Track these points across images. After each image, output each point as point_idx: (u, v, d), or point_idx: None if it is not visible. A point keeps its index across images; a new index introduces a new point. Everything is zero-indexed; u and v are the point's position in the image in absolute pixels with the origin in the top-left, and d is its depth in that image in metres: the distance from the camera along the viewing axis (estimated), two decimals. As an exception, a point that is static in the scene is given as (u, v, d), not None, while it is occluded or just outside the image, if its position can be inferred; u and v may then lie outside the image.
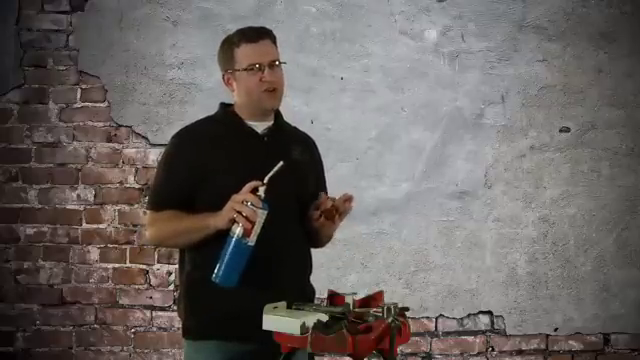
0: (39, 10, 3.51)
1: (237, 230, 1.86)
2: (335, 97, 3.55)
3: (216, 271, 1.88)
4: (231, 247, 1.87)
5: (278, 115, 2.17)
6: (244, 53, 2.04)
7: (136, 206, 3.50)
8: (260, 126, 2.11)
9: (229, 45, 2.08)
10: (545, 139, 3.60)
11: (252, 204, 1.86)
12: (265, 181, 1.89)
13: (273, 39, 2.10)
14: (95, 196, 3.52)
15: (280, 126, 2.16)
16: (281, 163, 1.88)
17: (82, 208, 3.51)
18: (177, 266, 2.24)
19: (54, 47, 3.51)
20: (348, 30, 3.55)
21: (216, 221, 1.93)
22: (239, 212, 1.86)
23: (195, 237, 2.01)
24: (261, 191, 1.88)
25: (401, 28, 3.57)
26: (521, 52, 3.59)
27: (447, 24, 3.57)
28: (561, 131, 3.61)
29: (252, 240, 1.87)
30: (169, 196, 2.06)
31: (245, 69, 2.03)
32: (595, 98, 3.61)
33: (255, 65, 2.02)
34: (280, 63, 2.08)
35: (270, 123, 2.13)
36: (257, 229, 1.87)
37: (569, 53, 3.60)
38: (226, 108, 2.16)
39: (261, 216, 1.87)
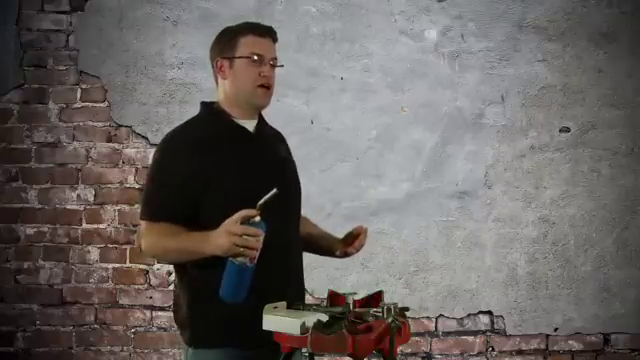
0: (39, 10, 3.51)
1: (240, 258, 1.80)
2: (335, 97, 3.55)
3: (222, 289, 1.83)
4: (234, 271, 1.81)
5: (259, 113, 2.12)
6: (249, 42, 2.00)
7: (136, 206, 3.49)
8: (249, 124, 2.06)
9: (233, 33, 2.04)
10: (545, 139, 3.60)
11: (253, 236, 1.80)
12: (257, 207, 1.81)
13: (275, 41, 2.07)
14: (95, 196, 3.52)
15: (265, 124, 2.12)
16: (275, 190, 1.79)
17: (82, 208, 3.51)
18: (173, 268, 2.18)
19: (54, 47, 3.51)
20: (348, 30, 3.55)
21: (212, 249, 1.83)
22: (241, 245, 1.78)
23: (188, 258, 1.94)
24: (256, 219, 1.81)
25: (401, 28, 3.57)
26: (521, 52, 3.59)
27: (447, 24, 3.57)
28: (561, 131, 3.61)
29: (254, 261, 1.82)
30: (166, 206, 1.94)
31: (247, 57, 1.99)
32: (595, 98, 3.61)
33: (258, 56, 1.99)
34: (277, 65, 2.05)
35: (256, 121, 2.08)
36: (258, 251, 1.82)
37: (569, 53, 3.60)
38: (211, 106, 2.08)
39: (261, 240, 1.82)
